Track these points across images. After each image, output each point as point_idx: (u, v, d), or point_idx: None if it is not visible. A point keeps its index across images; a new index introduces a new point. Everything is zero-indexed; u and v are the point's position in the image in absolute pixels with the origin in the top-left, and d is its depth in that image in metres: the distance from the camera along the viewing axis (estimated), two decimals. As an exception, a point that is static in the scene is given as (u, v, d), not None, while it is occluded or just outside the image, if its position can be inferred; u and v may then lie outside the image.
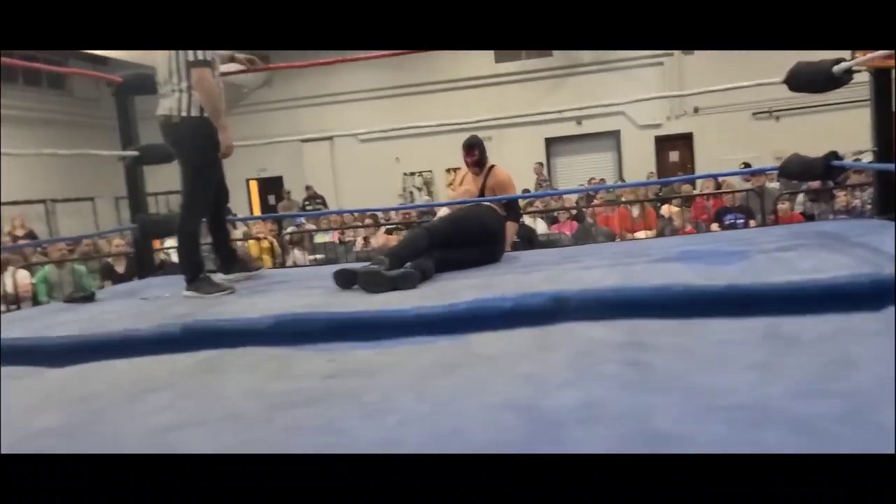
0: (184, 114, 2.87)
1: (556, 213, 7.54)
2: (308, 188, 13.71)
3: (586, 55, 13.25)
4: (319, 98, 14.23)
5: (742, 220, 6.42)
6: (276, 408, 1.43)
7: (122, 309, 2.89)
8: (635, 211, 7.18)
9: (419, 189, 14.46)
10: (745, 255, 2.70)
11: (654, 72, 13.14)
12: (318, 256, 7.13)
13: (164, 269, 5.25)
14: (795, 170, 3.25)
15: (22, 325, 2.77)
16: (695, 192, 8.41)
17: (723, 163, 11.18)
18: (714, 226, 6.50)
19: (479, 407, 1.31)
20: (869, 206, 5.45)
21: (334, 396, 1.46)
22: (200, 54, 2.81)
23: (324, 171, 14.52)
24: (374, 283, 2.69)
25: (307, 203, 13.10)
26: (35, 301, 5.55)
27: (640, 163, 13.24)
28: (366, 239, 7.12)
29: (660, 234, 6.53)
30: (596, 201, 7.92)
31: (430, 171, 14.26)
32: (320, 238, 8.06)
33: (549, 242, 6.23)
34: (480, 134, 3.94)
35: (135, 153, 3.70)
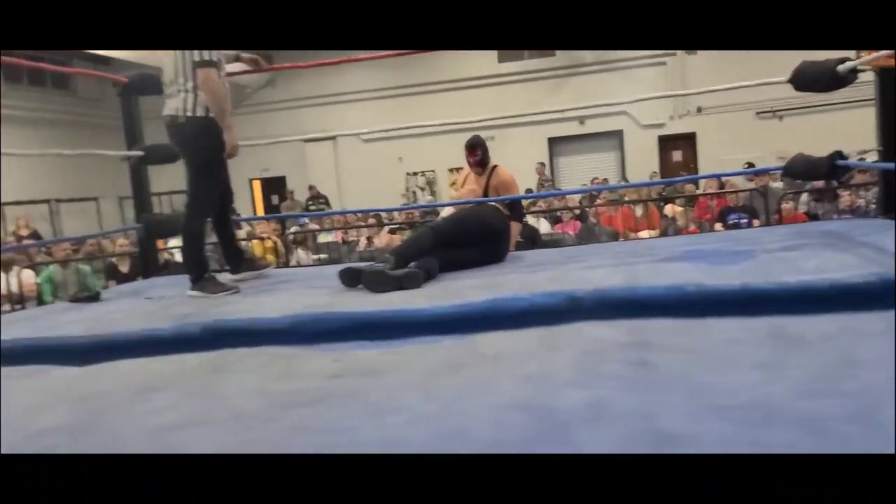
0: (189, 114, 2.87)
1: (559, 213, 7.54)
2: (311, 188, 13.72)
3: (588, 55, 13.24)
4: (322, 98, 14.24)
5: (746, 220, 6.41)
6: (281, 407, 1.43)
7: (127, 308, 2.89)
8: (638, 210, 7.18)
9: (422, 189, 14.46)
10: (750, 254, 2.69)
11: (657, 71, 13.13)
12: (322, 256, 7.13)
13: (168, 268, 5.26)
14: (800, 169, 3.24)
15: (28, 325, 2.77)
16: (698, 191, 8.41)
17: (726, 162, 11.16)
18: (717, 225, 6.49)
19: (485, 406, 1.31)
20: (873, 206, 5.44)
21: (340, 396, 1.47)
22: (206, 54, 2.81)
23: (327, 171, 14.53)
24: (378, 282, 2.69)
25: (310, 203, 13.11)
26: (40, 301, 5.56)
27: (642, 162, 13.22)
28: (369, 239, 7.12)
29: (663, 234, 6.53)
30: (599, 201, 7.92)
31: (433, 171, 14.25)
32: (323, 238, 8.07)
33: (552, 242, 6.22)
34: (483, 133, 3.94)
35: (140, 153, 3.70)
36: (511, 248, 3.48)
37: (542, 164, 13.19)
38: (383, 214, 7.87)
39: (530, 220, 6.76)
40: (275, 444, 1.25)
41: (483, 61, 13.63)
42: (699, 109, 13.10)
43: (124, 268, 5.89)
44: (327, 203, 13.32)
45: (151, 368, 1.84)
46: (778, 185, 7.43)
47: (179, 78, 2.88)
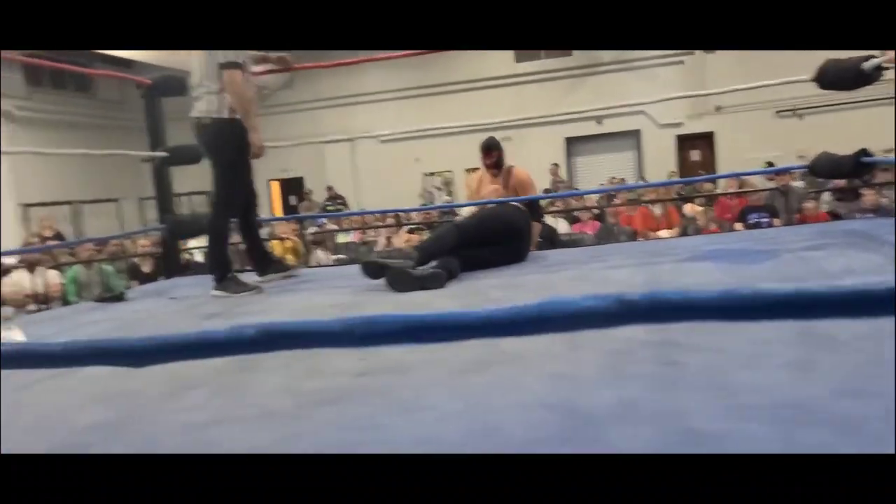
0: (215, 115, 2.91)
1: (576, 213, 7.52)
2: (329, 189, 13.79)
3: (606, 54, 13.19)
4: (340, 99, 14.31)
5: (766, 220, 6.36)
6: (311, 405, 1.44)
7: (153, 308, 2.93)
8: (657, 210, 7.14)
9: (439, 189, 14.49)
10: (773, 254, 2.68)
11: (675, 70, 13.05)
12: (342, 257, 7.17)
13: (190, 268, 5.31)
14: (825, 168, 3.22)
15: (55, 324, 2.82)
16: (717, 191, 8.35)
17: (745, 162, 11.08)
18: (738, 225, 6.44)
19: (514, 405, 1.32)
20: (897, 205, 5.38)
21: (368, 394, 1.48)
22: (232, 56, 2.84)
23: (344, 172, 14.59)
24: (401, 282, 2.71)
25: (328, 203, 13.18)
26: (65, 301, 5.64)
27: (660, 162, 13.16)
28: (388, 239, 7.15)
29: (683, 234, 6.49)
30: (617, 200, 7.89)
31: (451, 171, 14.26)
32: (342, 238, 8.11)
33: (571, 242, 6.21)
34: (500, 134, 3.95)
35: (164, 154, 3.75)
36: (531, 247, 3.48)
37: (556, 165, 13.16)
38: (402, 215, 7.89)
39: (548, 220, 6.76)
40: (307, 441, 1.26)
41: (500, 61, 13.63)
42: (718, 108, 13.00)
43: (146, 268, 5.96)
44: (345, 204, 13.39)
45: (178, 367, 1.86)
46: (799, 184, 7.37)
47: (205, 80, 2.91)
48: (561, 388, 1.38)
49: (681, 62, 13.04)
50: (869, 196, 6.28)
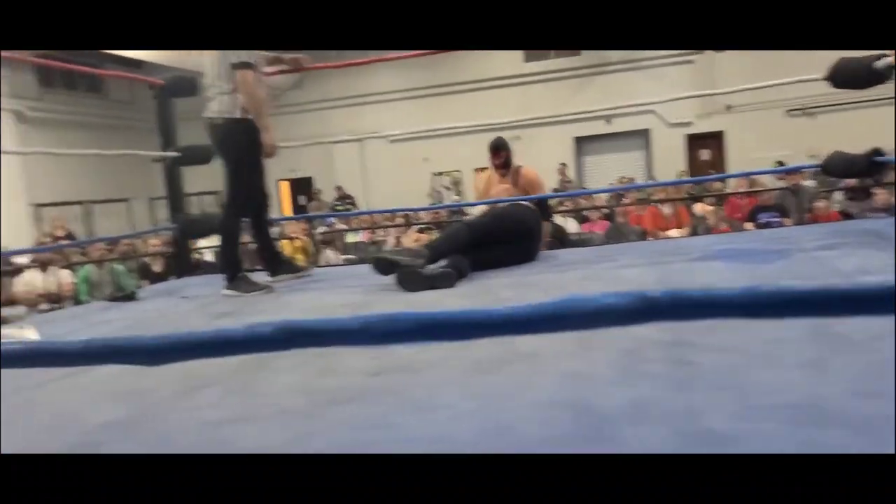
0: (227, 116, 2.92)
1: (585, 213, 7.51)
2: (338, 188, 13.82)
3: (615, 54, 13.16)
4: (349, 99, 14.33)
5: (777, 219, 6.33)
6: (324, 404, 1.45)
7: (165, 308, 2.94)
8: (667, 210, 7.12)
9: (448, 189, 14.49)
10: (786, 253, 2.67)
11: (684, 69, 13.00)
12: (351, 257, 7.19)
13: (201, 268, 5.34)
14: (838, 167, 3.20)
15: (68, 324, 2.84)
16: (727, 190, 8.32)
17: (755, 161, 11.02)
18: (748, 225, 6.41)
19: (527, 404, 1.32)
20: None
21: (381, 393, 1.48)
22: (244, 56, 2.86)
23: (353, 172, 14.61)
24: (411, 281, 2.71)
25: (337, 203, 13.20)
26: (77, 300, 5.68)
27: (670, 161, 13.11)
28: (398, 238, 7.16)
29: (693, 233, 6.47)
30: (626, 200, 7.87)
31: (459, 171, 14.26)
32: (351, 238, 8.13)
33: (580, 241, 6.20)
34: (509, 133, 3.95)
35: (175, 154, 3.77)
36: (542, 247, 3.48)
37: (564, 165, 13.14)
38: (411, 214, 7.90)
39: (557, 219, 6.74)
40: (321, 440, 1.27)
41: (509, 61, 13.62)
42: (728, 108, 12.94)
43: (157, 267, 5.99)
44: (354, 203, 13.41)
45: (191, 365, 1.87)
46: (810, 183, 7.33)
47: (218, 80, 2.93)
48: (575, 388, 1.38)
49: (690, 61, 12.98)
50: (881, 195, 6.24)
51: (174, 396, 1.61)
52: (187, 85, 3.70)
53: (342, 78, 13.63)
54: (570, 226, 7.16)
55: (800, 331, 1.51)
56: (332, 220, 9.12)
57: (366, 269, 3.37)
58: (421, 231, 7.10)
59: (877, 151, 3.04)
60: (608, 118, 13.44)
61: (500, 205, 3.39)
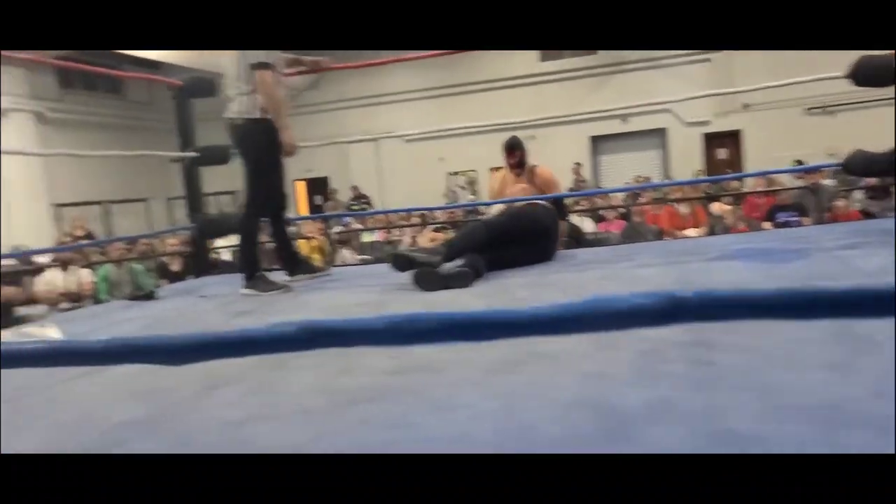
0: (247, 116, 2.94)
1: (602, 212, 7.48)
2: (354, 188, 13.87)
3: (631, 52, 13.07)
4: (365, 99, 14.36)
5: (796, 219, 6.27)
6: (344, 403, 1.45)
7: (183, 306, 2.97)
8: (684, 209, 7.08)
9: (463, 188, 14.48)
10: (805, 253, 2.64)
11: (701, 68, 12.89)
12: (366, 257, 7.21)
13: (218, 267, 5.37)
14: (860, 165, 3.16)
15: (90, 322, 2.88)
16: (744, 190, 8.25)
17: (774, 160, 10.91)
18: (766, 224, 6.36)
19: (547, 404, 1.31)
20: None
21: (400, 392, 1.48)
22: (262, 56, 2.88)
23: (369, 171, 14.65)
24: (427, 280, 2.72)
25: (353, 203, 13.24)
26: (96, 299, 5.73)
27: (687, 160, 13.02)
28: (413, 238, 7.17)
29: (710, 233, 6.42)
30: (643, 199, 7.83)
31: (475, 171, 14.25)
32: (367, 237, 8.15)
33: (596, 241, 6.18)
34: (524, 133, 3.94)
35: (194, 154, 3.79)
36: (558, 247, 3.47)
37: (578, 164, 13.09)
38: (426, 214, 7.91)
39: (573, 218, 6.73)
40: (341, 439, 1.27)
41: (524, 60, 13.58)
42: (745, 106, 12.82)
43: (175, 267, 6.03)
44: (369, 203, 13.44)
45: (210, 364, 1.89)
46: (829, 182, 7.25)
47: (237, 81, 2.95)
48: (595, 388, 1.38)
49: (707, 60, 12.87)
50: (903, 194, 6.17)
51: (194, 395, 1.62)
52: (205, 86, 3.73)
53: (358, 78, 13.66)
54: (587, 225, 7.13)
55: (821, 331, 1.50)
56: (348, 219, 9.15)
57: (382, 268, 3.38)
58: (436, 230, 7.10)
59: (899, 150, 3.00)
60: (624, 117, 13.36)
61: (517, 204, 3.38)
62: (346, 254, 7.22)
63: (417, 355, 1.72)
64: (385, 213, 8.94)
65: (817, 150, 10.78)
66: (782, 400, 1.20)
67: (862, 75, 2.92)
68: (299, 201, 15.58)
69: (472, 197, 13.83)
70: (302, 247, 6.96)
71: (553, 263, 3.17)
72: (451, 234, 5.96)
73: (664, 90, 11.58)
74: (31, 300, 5.73)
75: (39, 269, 6.12)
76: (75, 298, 5.82)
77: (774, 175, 7.90)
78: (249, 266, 3.03)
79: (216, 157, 3.75)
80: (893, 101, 2.95)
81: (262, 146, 2.98)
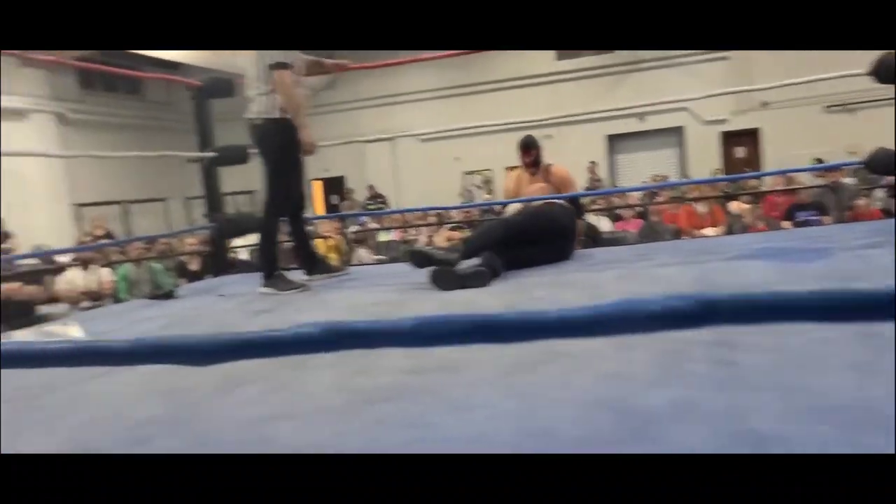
0: (265, 116, 2.96)
1: (619, 211, 7.44)
2: (370, 188, 13.90)
3: (648, 51, 12.99)
4: (381, 99, 14.39)
5: (816, 218, 6.20)
6: (362, 403, 1.46)
7: (203, 305, 2.99)
8: (702, 208, 7.02)
9: (479, 187, 14.47)
10: (828, 252, 2.61)
11: (719, 66, 12.77)
12: (382, 257, 7.22)
13: (236, 266, 5.41)
14: (882, 163, 3.12)
15: (111, 321, 2.91)
16: (763, 188, 8.17)
17: (794, 158, 10.79)
18: (785, 223, 6.29)
19: (567, 404, 1.31)
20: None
21: (419, 392, 1.48)
22: (280, 56, 2.90)
23: (385, 171, 14.68)
24: (445, 280, 2.72)
25: (369, 202, 13.27)
26: (116, 298, 5.79)
27: (704, 159, 12.92)
28: (430, 237, 7.17)
29: (729, 232, 6.37)
30: (660, 198, 7.77)
31: (490, 170, 14.23)
32: (383, 237, 8.17)
33: (613, 240, 6.15)
34: (541, 132, 3.92)
35: (212, 154, 3.82)
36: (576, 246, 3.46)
37: (593, 163, 13.03)
38: (442, 213, 7.91)
39: (590, 217, 6.69)
40: (360, 438, 1.28)
41: (540, 59, 13.54)
42: (764, 104, 12.70)
43: (194, 266, 6.08)
44: (385, 202, 13.47)
45: (230, 364, 1.90)
46: (849, 180, 7.16)
47: (257, 82, 2.97)
48: (614, 388, 1.37)
49: (725, 57, 12.75)
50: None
51: (215, 394, 1.63)
52: (224, 86, 3.76)
53: (373, 77, 13.67)
54: (604, 224, 7.10)
55: (844, 331, 1.48)
56: (364, 219, 9.17)
57: (398, 268, 3.39)
58: (452, 230, 7.10)
59: (923, 148, 2.96)
60: (641, 116, 13.27)
61: (535, 203, 3.37)
62: (362, 253, 7.23)
63: (435, 355, 1.72)
64: (401, 212, 8.95)
65: (837, 148, 10.66)
66: (805, 400, 1.19)
67: (884, 72, 2.88)
68: (316, 201, 15.63)
69: (487, 196, 13.81)
70: (319, 246, 6.98)
71: (571, 263, 3.16)
72: (467, 234, 5.96)
73: (681, 88, 11.50)
74: (53, 299, 5.80)
75: (61, 269, 6.20)
76: (95, 297, 5.88)
77: (794, 173, 7.82)
78: (268, 265, 3.05)
79: (234, 157, 3.78)
80: (894, 100, 2.91)
81: (281, 145, 3.00)
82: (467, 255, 2.81)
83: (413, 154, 14.41)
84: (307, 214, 3.56)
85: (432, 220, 7.67)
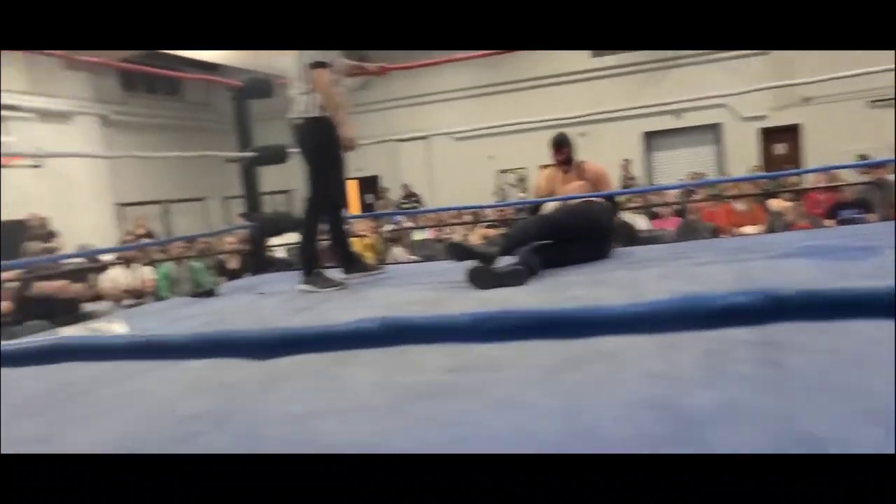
0: (306, 115, 3.01)
1: (656, 209, 7.35)
2: (404, 187, 13.95)
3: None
4: (415, 98, 14.43)
5: (860, 215, 6.04)
6: (405, 400, 1.47)
7: (244, 303, 3.04)
8: (741, 206, 6.90)
9: (513, 186, 14.43)
10: (875, 250, 2.55)
11: (759, 61, 12.51)
12: (414, 257, 7.25)
13: (274, 265, 5.48)
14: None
15: (156, 318, 2.97)
16: (804, 185, 8.00)
17: (835, 155, 10.54)
18: (828, 222, 6.15)
19: (611, 404, 1.30)
20: None
21: (461, 390, 1.49)
22: (319, 56, 2.94)
23: (419, 170, 14.72)
24: (482, 278, 2.72)
25: (404, 201, 13.33)
26: (157, 296, 5.91)
27: (743, 156, 12.69)
28: (465, 236, 7.17)
29: (770, 230, 6.25)
30: (698, 196, 7.66)
31: (525, 168, 14.18)
32: (418, 235, 8.19)
33: (651, 239, 6.08)
34: (575, 129, 3.90)
35: (252, 154, 3.88)
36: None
37: (627, 161, 12.89)
38: (477, 211, 7.90)
39: (626, 216, 6.62)
40: (404, 436, 1.28)
41: (576, 56, 13.43)
42: (805, 99, 12.42)
43: (233, 264, 6.17)
44: (420, 201, 13.51)
45: (273, 360, 1.93)
46: (894, 177, 6.97)
47: (298, 82, 3.02)
48: (660, 388, 1.36)
49: (765, 52, 12.50)
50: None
51: (260, 390, 1.66)
52: (263, 87, 3.81)
53: (407, 77, 13.70)
54: (641, 222, 7.02)
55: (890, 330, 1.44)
56: (399, 218, 9.21)
57: (434, 266, 3.40)
58: (487, 228, 7.09)
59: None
60: (678, 113, 13.09)
61: (573, 201, 3.35)
62: (397, 252, 7.27)
63: (475, 352, 1.72)
64: (435, 211, 8.97)
65: (882, 143, 10.37)
66: (854, 402, 1.17)
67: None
68: (351, 200, 15.74)
69: (522, 195, 13.75)
70: (355, 245, 7.03)
71: (608, 261, 3.13)
72: (502, 232, 5.93)
73: (719, 84, 11.31)
74: (97, 297, 5.94)
75: (104, 267, 6.34)
76: (138, 295, 6.01)
77: (837, 170, 7.63)
78: (308, 263, 3.09)
79: (273, 156, 3.83)
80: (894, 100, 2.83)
81: (320, 143, 3.03)
82: (507, 250, 2.81)
83: (447, 153, 14.42)
84: (345, 213, 3.59)
85: (467, 218, 7.67)
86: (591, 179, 3.49)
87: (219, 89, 12.23)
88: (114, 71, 11.76)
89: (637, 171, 13.22)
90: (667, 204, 7.46)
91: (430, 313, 0.79)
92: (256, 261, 4.21)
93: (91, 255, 6.36)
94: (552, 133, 3.64)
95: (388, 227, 8.32)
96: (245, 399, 1.62)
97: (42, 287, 5.16)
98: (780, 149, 13.19)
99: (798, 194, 7.05)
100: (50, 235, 8.93)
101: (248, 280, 4.05)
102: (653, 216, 7.35)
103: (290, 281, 3.27)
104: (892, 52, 2.97)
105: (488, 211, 7.99)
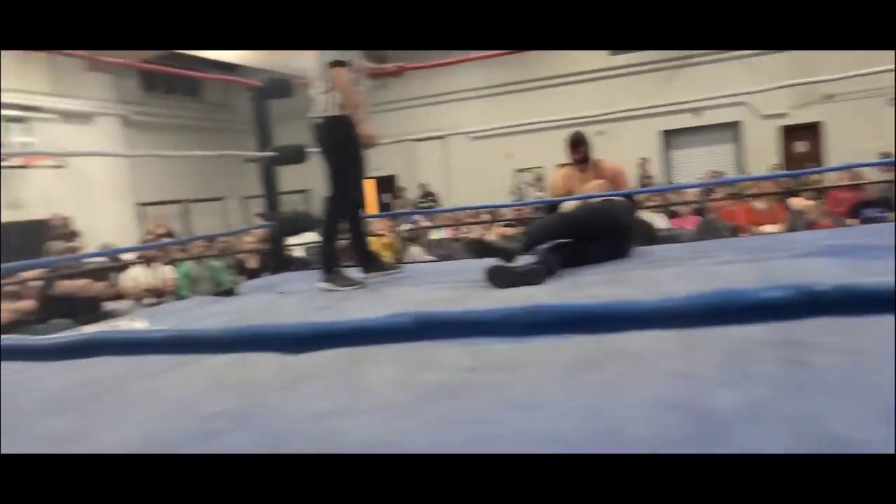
0: (325, 114, 3.03)
1: (675, 208, 7.30)
2: (421, 186, 13.97)
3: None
4: (432, 98, 14.44)
5: (883, 214, 5.96)
6: (424, 399, 1.47)
7: (264, 301, 3.06)
8: (761, 204, 6.84)
9: (530, 185, 14.40)
10: (899, 249, 2.51)
11: (779, 58, 12.37)
12: (433, 257, 7.26)
13: (293, 264, 5.51)
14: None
15: (178, 316, 3.00)
16: (825, 184, 7.91)
17: (857, 153, 10.40)
18: (850, 220, 6.08)
19: (632, 404, 1.30)
20: None
21: (481, 389, 1.49)
22: (338, 55, 2.95)
23: (436, 169, 14.73)
24: (500, 277, 2.72)
25: (421, 201, 13.34)
26: (178, 295, 5.96)
27: (762, 154, 12.57)
28: (482, 235, 7.17)
29: (791, 229, 6.18)
30: (717, 194, 7.59)
31: (542, 167, 14.14)
32: (435, 235, 8.19)
33: (670, 237, 6.04)
34: (593, 128, 3.88)
35: (272, 154, 3.90)
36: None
37: (644, 160, 12.81)
38: (495, 211, 7.90)
39: (645, 215, 6.58)
40: (425, 434, 1.29)
41: (593, 54, 13.37)
42: (826, 97, 12.28)
43: (252, 264, 6.21)
44: (437, 200, 13.52)
45: (290, 358, 1.93)
46: (919, 175, 6.87)
47: (318, 81, 3.04)
48: (681, 388, 1.35)
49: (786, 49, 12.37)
50: None
51: (280, 388, 1.67)
52: (282, 87, 3.84)
53: (424, 76, 13.71)
54: (660, 221, 6.98)
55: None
56: (417, 217, 9.22)
57: (451, 265, 3.40)
58: (505, 227, 7.08)
59: None
60: (696, 111, 12.99)
61: (593, 199, 3.34)
62: (415, 251, 7.28)
63: (494, 352, 1.72)
64: (452, 210, 8.97)
65: (905, 141, 10.23)
66: (879, 402, 1.16)
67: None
68: (368, 199, 15.76)
69: (539, 194, 13.71)
70: (373, 244, 7.05)
71: (628, 260, 3.12)
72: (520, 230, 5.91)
73: (738, 82, 11.21)
74: (118, 296, 6.01)
75: (125, 266, 6.41)
76: (158, 294, 6.07)
77: (859, 168, 7.53)
78: (328, 261, 3.11)
79: (292, 156, 3.85)
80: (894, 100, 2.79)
81: (340, 142, 3.05)
82: (527, 246, 2.80)
83: (464, 152, 14.42)
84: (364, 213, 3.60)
85: (484, 217, 7.67)
86: (609, 178, 3.47)
87: (238, 89, 12.31)
88: (134, 72, 11.88)
89: (655, 169, 13.14)
90: (686, 203, 7.40)
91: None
92: (275, 260, 4.24)
93: (112, 254, 6.43)
94: (569, 132, 3.63)
95: (405, 227, 8.34)
96: (265, 397, 1.63)
97: (64, 286, 5.23)
98: (800, 147, 13.05)
99: (820, 193, 6.97)
100: (72, 235, 9.05)
101: (267, 279, 4.08)
102: (672, 215, 7.30)
103: (309, 280, 3.29)
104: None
105: (505, 210, 7.98)
